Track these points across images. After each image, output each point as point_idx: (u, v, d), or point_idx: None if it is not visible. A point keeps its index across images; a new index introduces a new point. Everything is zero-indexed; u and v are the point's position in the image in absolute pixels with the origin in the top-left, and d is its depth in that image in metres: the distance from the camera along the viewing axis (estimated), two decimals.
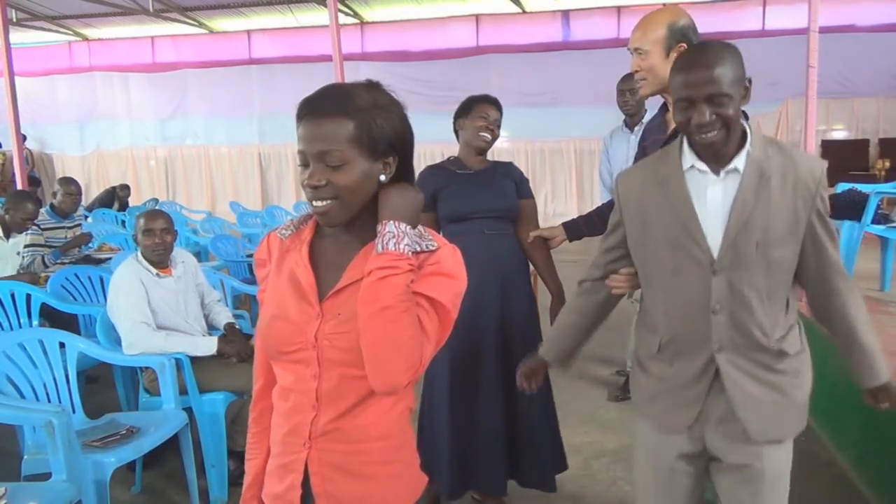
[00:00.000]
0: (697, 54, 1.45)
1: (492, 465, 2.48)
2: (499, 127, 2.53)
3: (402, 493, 1.26)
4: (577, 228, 2.49)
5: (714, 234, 1.48)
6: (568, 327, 1.85)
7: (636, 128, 3.73)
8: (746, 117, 1.54)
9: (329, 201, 1.12)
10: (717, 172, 1.48)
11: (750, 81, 1.47)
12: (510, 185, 2.55)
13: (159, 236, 2.95)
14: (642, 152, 2.26)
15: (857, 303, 1.56)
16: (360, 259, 1.17)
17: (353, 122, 1.11)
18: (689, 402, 1.57)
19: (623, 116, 3.86)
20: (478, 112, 2.49)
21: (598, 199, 4.24)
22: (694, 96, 1.41)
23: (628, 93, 3.71)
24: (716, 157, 1.48)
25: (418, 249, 1.16)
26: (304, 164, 1.13)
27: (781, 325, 1.52)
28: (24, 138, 9.87)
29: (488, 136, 2.50)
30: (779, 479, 1.58)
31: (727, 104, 1.40)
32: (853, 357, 1.57)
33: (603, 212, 2.46)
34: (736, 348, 1.51)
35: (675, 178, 1.52)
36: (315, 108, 1.12)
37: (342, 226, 1.17)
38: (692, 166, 1.51)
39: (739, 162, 1.47)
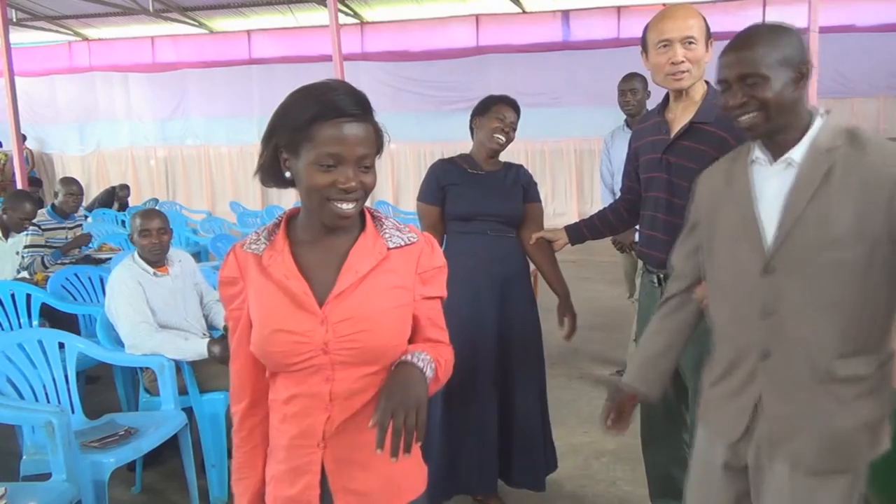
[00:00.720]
0: (738, 35, 1.41)
1: (483, 467, 2.45)
2: (514, 129, 2.50)
3: (414, 480, 1.28)
4: (579, 232, 2.47)
5: (770, 230, 1.38)
6: (657, 353, 1.68)
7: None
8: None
9: (357, 203, 1.15)
10: (773, 163, 1.41)
11: (808, 65, 1.38)
12: (518, 189, 2.52)
13: (156, 236, 2.95)
14: (634, 154, 2.25)
15: None
16: (353, 259, 1.18)
17: (374, 126, 1.17)
18: (736, 412, 1.46)
19: (624, 117, 3.85)
20: (495, 113, 2.46)
21: (598, 198, 4.24)
22: (727, 77, 1.38)
23: (629, 93, 3.70)
24: (771, 146, 1.40)
25: (402, 244, 1.22)
26: (334, 166, 1.11)
27: (847, 343, 1.34)
28: (24, 138, 9.91)
29: (502, 138, 2.46)
30: None
31: (763, 85, 1.34)
32: None
33: (605, 216, 2.46)
34: (784, 359, 1.38)
35: (741, 171, 1.46)
36: (351, 111, 1.12)
37: (321, 230, 1.19)
38: (755, 158, 1.44)
39: (797, 152, 1.37)
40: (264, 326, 1.18)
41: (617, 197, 3.69)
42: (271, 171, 1.20)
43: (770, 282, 1.38)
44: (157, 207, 4.81)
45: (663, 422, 2.28)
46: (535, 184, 2.63)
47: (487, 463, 2.46)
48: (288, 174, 1.17)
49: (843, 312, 1.33)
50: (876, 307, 1.34)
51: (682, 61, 1.92)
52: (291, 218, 1.25)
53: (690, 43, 1.91)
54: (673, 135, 2.02)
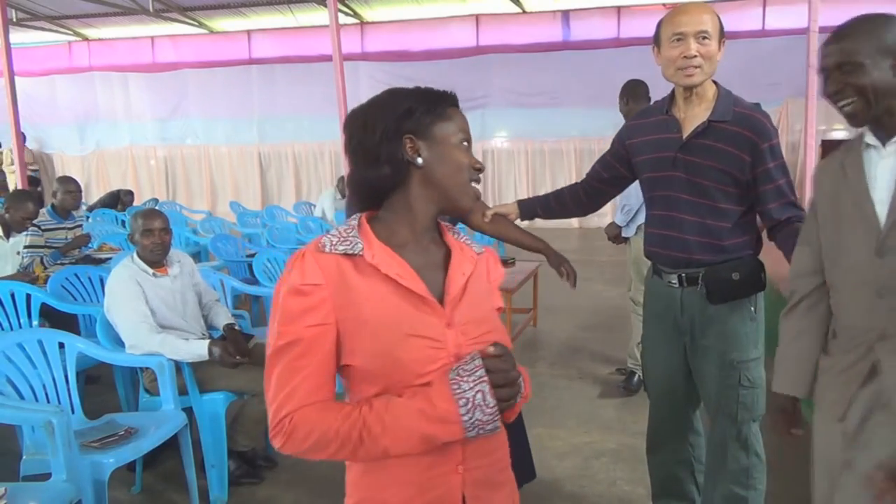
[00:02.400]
0: (838, 26, 1.46)
1: None
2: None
3: (517, 492, 1.26)
4: (531, 208, 2.35)
5: (883, 212, 1.43)
6: (805, 357, 1.66)
7: None
8: None
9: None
10: (884, 146, 1.45)
11: None
12: None
13: (158, 236, 2.95)
14: (627, 150, 2.19)
15: None
16: (456, 260, 1.16)
17: None
18: (841, 389, 1.50)
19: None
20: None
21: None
22: (826, 65, 1.44)
23: (630, 100, 3.65)
24: (880, 130, 1.45)
25: (479, 252, 1.23)
26: (468, 145, 1.16)
27: None
28: (24, 138, 9.90)
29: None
30: None
31: (858, 73, 1.39)
32: None
33: (562, 197, 2.37)
34: None
35: (855, 157, 1.50)
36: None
37: (422, 232, 1.16)
38: (868, 143, 1.49)
39: None
40: (392, 331, 1.06)
41: (626, 201, 3.73)
42: (385, 166, 1.11)
43: (885, 263, 1.42)
44: (156, 207, 4.81)
45: (672, 426, 2.28)
46: None
47: None
48: (420, 160, 1.11)
49: None
50: None
51: (695, 56, 1.91)
52: (370, 222, 1.15)
53: (704, 38, 1.90)
54: (688, 133, 2.00)
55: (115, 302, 2.85)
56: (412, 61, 10.38)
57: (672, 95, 2.08)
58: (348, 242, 1.09)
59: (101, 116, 12.05)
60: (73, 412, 2.59)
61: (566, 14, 10.02)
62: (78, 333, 3.36)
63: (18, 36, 10.21)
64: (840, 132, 9.46)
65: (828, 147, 9.15)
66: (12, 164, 9.33)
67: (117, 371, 3.27)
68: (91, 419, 2.66)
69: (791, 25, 8.06)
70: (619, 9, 9.67)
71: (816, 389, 1.62)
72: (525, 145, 10.47)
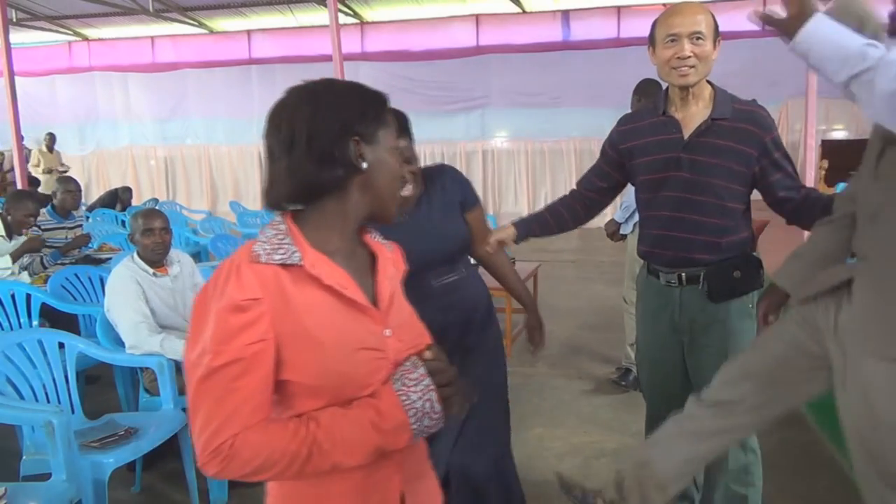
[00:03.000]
0: None
1: None
2: (415, 156, 1.93)
3: (436, 482, 1.27)
4: (528, 228, 2.26)
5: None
6: (815, 260, 1.77)
7: None
8: None
9: None
10: None
11: None
12: (454, 208, 2.03)
13: (159, 235, 2.95)
14: (622, 154, 2.16)
15: None
16: (382, 263, 1.15)
17: None
18: (826, 304, 1.63)
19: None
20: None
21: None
22: None
23: (643, 99, 3.62)
24: None
25: (391, 249, 1.21)
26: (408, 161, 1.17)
27: None
28: (53, 139, 9.87)
29: (411, 185, 1.91)
30: None
31: None
32: None
33: (557, 212, 2.30)
34: (880, 263, 1.50)
35: None
36: None
37: (352, 236, 1.12)
38: None
39: None
40: (341, 347, 1.02)
41: (626, 199, 3.70)
42: (329, 166, 1.04)
43: (878, 187, 1.49)
44: (156, 207, 4.80)
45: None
46: (467, 183, 2.12)
47: None
48: (365, 165, 1.06)
49: None
50: None
51: (689, 56, 1.91)
52: (296, 224, 1.09)
53: (698, 38, 1.90)
54: (690, 133, 2.00)
55: (115, 302, 2.85)
56: (412, 61, 10.37)
57: (667, 96, 2.07)
58: (283, 251, 1.02)
59: (101, 116, 12.04)
60: (73, 412, 2.59)
61: (566, 14, 10.02)
62: (78, 333, 3.36)
63: (18, 36, 10.21)
64: (840, 132, 9.46)
65: (828, 147, 9.15)
66: (39, 164, 9.33)
67: (117, 371, 3.28)
68: (91, 419, 2.66)
69: None
70: (619, 9, 9.67)
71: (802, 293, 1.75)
72: (525, 145, 10.46)
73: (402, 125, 1.84)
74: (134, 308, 2.81)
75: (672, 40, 1.92)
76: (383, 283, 1.12)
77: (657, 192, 2.09)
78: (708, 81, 2.02)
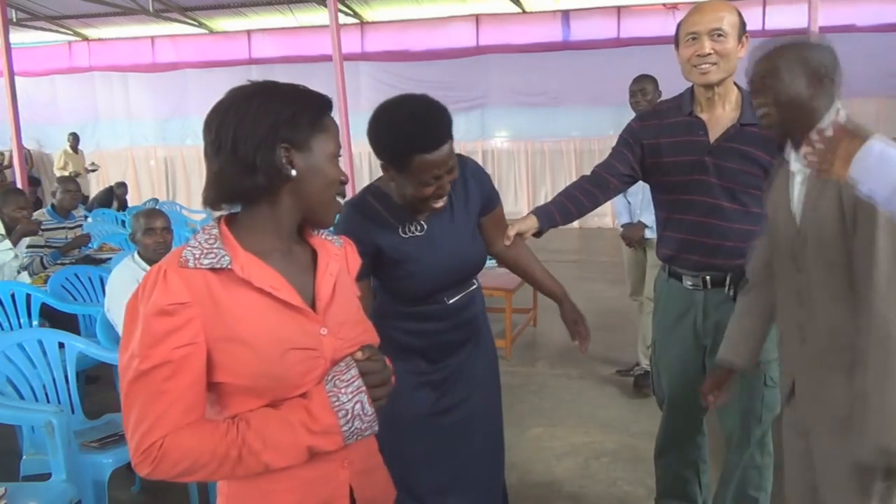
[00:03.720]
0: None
1: None
2: (454, 168, 1.67)
3: (387, 475, 1.28)
4: (549, 217, 2.05)
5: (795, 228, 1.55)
6: (746, 331, 1.84)
7: None
8: None
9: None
10: (798, 161, 1.54)
11: (828, 77, 1.48)
12: (474, 219, 1.86)
13: (160, 234, 2.96)
14: (648, 149, 2.11)
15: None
16: (323, 261, 1.14)
17: None
18: (786, 377, 1.70)
19: (633, 117, 3.73)
20: (418, 173, 1.61)
21: (611, 205, 4.17)
22: (749, 77, 1.55)
23: (639, 93, 3.56)
24: (792, 141, 1.55)
25: (340, 244, 1.22)
26: (337, 159, 1.13)
27: (851, 333, 1.47)
28: (79, 140, 9.84)
29: (440, 202, 1.70)
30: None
31: (771, 90, 1.48)
32: None
33: (574, 197, 2.12)
34: (812, 350, 1.56)
35: (785, 166, 1.60)
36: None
37: (288, 237, 1.11)
38: (784, 157, 1.61)
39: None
40: (273, 348, 1.02)
41: (622, 191, 3.62)
42: (253, 173, 1.04)
43: (800, 276, 1.55)
44: (156, 207, 4.79)
45: (685, 430, 2.27)
46: (489, 181, 1.91)
47: None
48: (294, 172, 1.05)
49: (846, 304, 1.47)
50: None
51: (709, 53, 1.88)
52: (231, 227, 1.09)
53: (719, 35, 1.88)
54: (717, 136, 1.96)
55: (115, 302, 2.85)
56: (412, 61, 10.37)
57: (692, 96, 2.03)
58: (213, 255, 1.02)
59: (101, 116, 12.04)
60: (73, 412, 2.59)
61: (566, 14, 10.02)
62: (78, 333, 3.36)
63: (18, 36, 10.20)
64: None
65: None
66: (65, 167, 9.31)
67: (117, 371, 3.27)
68: (91, 419, 2.67)
69: (791, 25, 8.05)
70: (619, 9, 9.66)
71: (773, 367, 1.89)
72: (525, 145, 10.46)
73: (436, 137, 1.61)
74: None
75: (693, 38, 1.90)
76: (323, 280, 1.12)
77: (681, 194, 2.04)
78: (736, 84, 1.99)
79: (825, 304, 1.50)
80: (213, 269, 1.02)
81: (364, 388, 1.04)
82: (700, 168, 1.98)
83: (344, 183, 1.13)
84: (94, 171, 9.87)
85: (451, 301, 1.81)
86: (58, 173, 9.40)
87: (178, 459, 0.99)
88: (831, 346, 1.51)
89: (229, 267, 1.02)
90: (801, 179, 1.54)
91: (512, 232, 1.95)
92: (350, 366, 1.06)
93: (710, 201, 1.99)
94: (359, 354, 1.08)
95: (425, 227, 1.76)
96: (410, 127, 1.59)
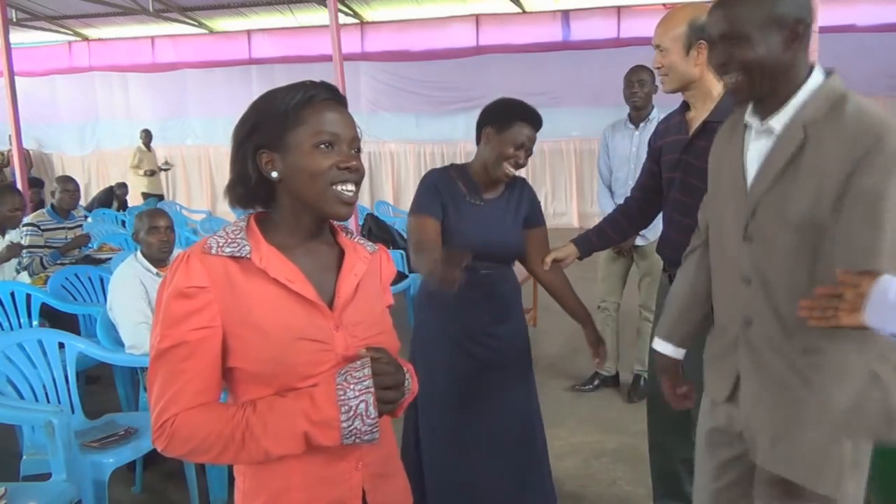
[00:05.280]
0: None
1: (484, 496, 2.17)
2: (530, 152, 2.13)
3: (406, 483, 1.28)
4: (588, 243, 2.31)
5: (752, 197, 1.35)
6: (685, 307, 1.63)
7: (641, 123, 3.62)
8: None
9: (356, 190, 1.11)
10: (759, 129, 1.35)
11: (802, 24, 1.27)
12: (519, 220, 2.20)
13: (164, 233, 2.97)
14: (657, 152, 2.22)
15: None
16: (349, 261, 1.16)
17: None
18: (725, 375, 1.46)
19: (628, 110, 3.71)
20: (514, 134, 2.07)
21: (597, 197, 4.15)
22: (711, 35, 1.34)
23: (637, 84, 3.56)
24: (759, 110, 1.34)
25: (372, 251, 1.22)
26: (332, 146, 1.07)
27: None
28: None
29: (513, 170, 2.10)
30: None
31: (745, 46, 1.27)
32: None
33: (616, 222, 2.36)
34: (762, 328, 1.36)
35: (739, 134, 1.41)
36: (336, 96, 1.12)
37: (307, 233, 1.12)
38: (747, 122, 1.39)
39: (778, 121, 1.31)
40: (282, 335, 1.05)
41: (625, 196, 3.65)
42: (247, 181, 1.10)
43: (748, 249, 1.36)
44: (159, 207, 4.79)
45: (673, 425, 2.26)
46: (538, 203, 2.30)
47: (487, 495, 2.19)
48: (275, 174, 1.08)
49: (801, 285, 1.28)
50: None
51: (659, 66, 2.00)
52: (260, 222, 1.13)
53: (661, 50, 1.98)
54: (690, 134, 2.02)
55: (117, 300, 2.85)
56: (412, 61, 10.38)
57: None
58: (235, 244, 1.06)
59: (101, 116, 12.04)
60: (73, 412, 2.59)
61: (566, 14, 10.02)
62: (78, 333, 3.36)
63: (18, 36, 10.20)
64: None
65: None
66: (140, 164, 9.29)
67: (117, 371, 3.27)
68: (91, 419, 2.66)
69: None
70: (619, 9, 9.67)
71: (704, 369, 1.57)
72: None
73: (536, 119, 2.14)
74: (136, 308, 2.81)
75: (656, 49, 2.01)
76: (346, 278, 1.13)
77: (667, 192, 2.14)
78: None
79: (779, 281, 1.31)
80: (233, 258, 1.06)
81: (373, 389, 1.04)
82: (677, 165, 2.06)
83: (347, 168, 1.08)
84: (167, 169, 9.86)
85: (483, 272, 2.10)
86: (131, 171, 9.40)
87: (187, 437, 1.02)
88: (783, 330, 1.31)
89: (249, 256, 1.06)
90: (762, 146, 1.35)
91: (549, 259, 2.23)
92: (365, 364, 1.05)
93: (679, 198, 2.06)
94: (363, 352, 1.08)
95: (483, 203, 2.15)
96: (524, 106, 2.14)
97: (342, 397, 1.03)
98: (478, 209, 2.13)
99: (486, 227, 2.11)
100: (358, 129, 1.13)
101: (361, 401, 1.03)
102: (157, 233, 2.95)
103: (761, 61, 1.27)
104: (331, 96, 1.11)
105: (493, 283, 2.16)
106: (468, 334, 2.15)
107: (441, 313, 2.16)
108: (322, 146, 1.07)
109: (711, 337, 1.56)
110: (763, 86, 1.30)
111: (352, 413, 1.03)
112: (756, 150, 1.36)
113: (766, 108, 1.33)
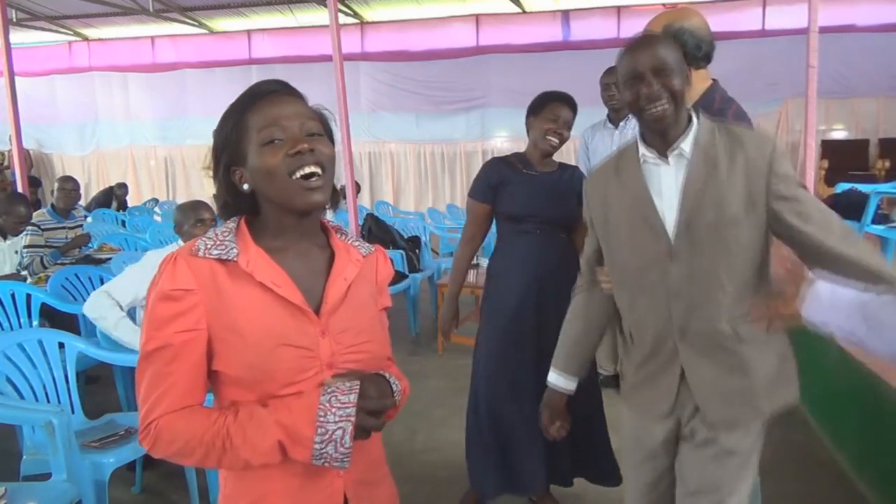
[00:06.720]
0: (639, 37, 1.55)
1: (531, 465, 2.51)
2: (569, 128, 2.47)
3: (394, 490, 1.27)
4: None
5: (670, 220, 1.51)
6: (576, 339, 1.84)
7: (620, 123, 3.59)
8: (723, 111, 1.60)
9: (321, 178, 1.06)
10: (665, 158, 1.52)
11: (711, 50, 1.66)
12: (572, 192, 2.45)
13: (209, 226, 2.97)
14: None
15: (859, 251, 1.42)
16: (339, 265, 1.13)
17: (309, 106, 1.14)
18: (664, 389, 1.61)
19: (607, 112, 3.69)
20: (548, 113, 2.43)
21: None
22: (640, 69, 1.47)
23: (613, 86, 3.54)
24: (663, 139, 1.51)
25: (367, 252, 1.20)
26: (281, 139, 1.05)
27: (743, 306, 1.50)
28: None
29: (555, 140, 2.45)
30: (744, 464, 1.58)
31: (672, 77, 1.46)
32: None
33: None
34: (696, 333, 1.53)
35: (632, 170, 1.57)
36: (274, 87, 1.10)
37: (294, 233, 1.11)
38: (645, 158, 1.55)
39: (686, 145, 1.50)
40: (265, 341, 1.03)
41: None
42: (233, 198, 1.12)
43: (676, 267, 1.51)
44: (157, 207, 4.81)
45: None
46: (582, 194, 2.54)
47: (534, 461, 2.49)
48: (246, 186, 1.09)
49: (741, 280, 1.49)
50: (760, 273, 1.51)
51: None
52: (250, 224, 1.12)
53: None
54: None
55: (129, 274, 2.88)
56: (412, 61, 10.38)
57: None
58: (223, 247, 1.05)
59: (101, 116, 12.04)
60: (73, 412, 2.59)
61: (566, 14, 10.02)
62: (78, 333, 3.36)
63: (18, 36, 10.21)
64: (840, 132, 9.47)
65: (828, 147, 9.15)
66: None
67: (117, 371, 3.28)
68: (91, 419, 2.66)
69: (791, 25, 8.05)
70: (619, 9, 9.67)
71: (629, 391, 1.75)
72: (525, 145, 10.47)
73: (570, 100, 2.48)
74: (124, 290, 2.83)
75: None
76: (335, 283, 1.10)
77: None
78: (715, 80, 2.01)
79: (715, 287, 1.48)
80: (220, 260, 1.05)
81: (353, 418, 1.01)
82: None
83: (298, 152, 1.04)
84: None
85: (539, 232, 2.47)
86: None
87: (170, 440, 1.02)
88: (716, 325, 1.50)
89: (236, 259, 1.05)
90: (675, 171, 1.51)
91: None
92: (353, 389, 1.02)
93: None
94: (329, 380, 1.05)
95: (537, 174, 2.51)
96: (555, 91, 2.49)
97: (321, 419, 1.00)
98: (532, 178, 2.50)
99: (539, 191, 2.47)
100: (323, 113, 1.13)
101: (339, 427, 1.00)
102: (204, 225, 2.95)
103: (683, 91, 1.49)
104: (272, 89, 1.09)
105: (546, 246, 2.46)
106: (521, 297, 2.46)
107: (501, 274, 2.54)
108: (273, 142, 1.05)
109: (637, 366, 1.69)
110: (678, 114, 1.49)
111: (327, 437, 1.00)
112: (665, 176, 1.53)
113: (671, 137, 1.51)
